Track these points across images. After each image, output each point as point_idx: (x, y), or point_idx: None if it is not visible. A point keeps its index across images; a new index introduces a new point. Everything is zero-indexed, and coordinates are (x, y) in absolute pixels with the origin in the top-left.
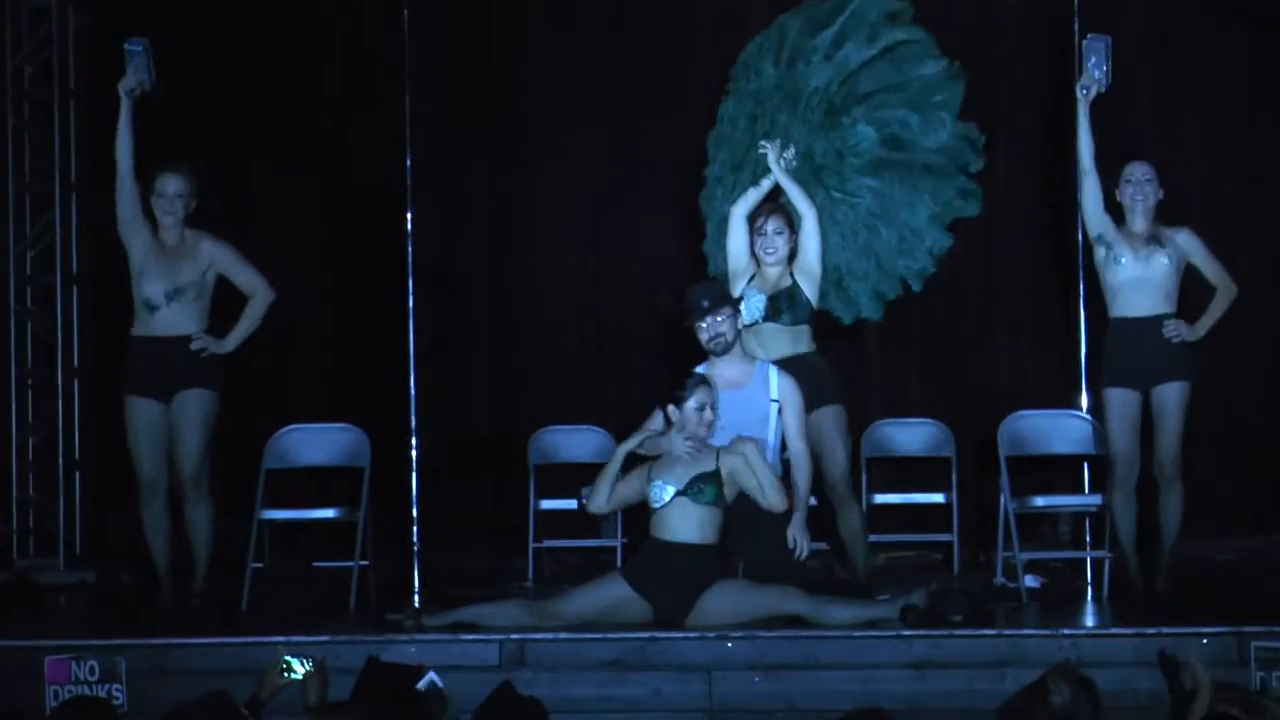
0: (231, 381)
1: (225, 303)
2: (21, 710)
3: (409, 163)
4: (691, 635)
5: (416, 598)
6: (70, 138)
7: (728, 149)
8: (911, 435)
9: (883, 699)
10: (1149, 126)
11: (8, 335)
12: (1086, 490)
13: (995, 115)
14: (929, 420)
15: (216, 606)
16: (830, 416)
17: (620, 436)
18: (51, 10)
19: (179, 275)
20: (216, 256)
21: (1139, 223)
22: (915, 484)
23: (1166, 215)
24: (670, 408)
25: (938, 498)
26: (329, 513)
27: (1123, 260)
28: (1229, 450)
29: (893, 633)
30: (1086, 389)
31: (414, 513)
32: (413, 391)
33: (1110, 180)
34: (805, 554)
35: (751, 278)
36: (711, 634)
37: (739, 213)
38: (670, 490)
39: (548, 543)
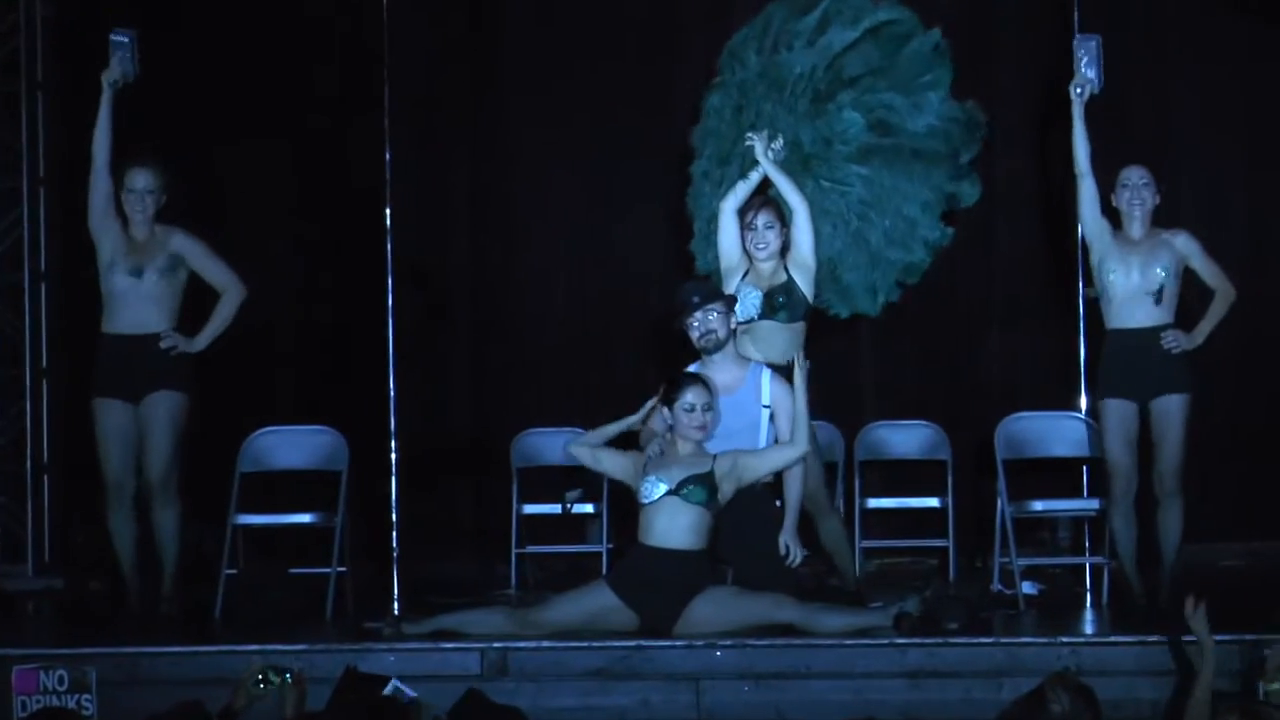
0: (205, 382)
1: (196, 303)
2: None
3: (388, 159)
4: (679, 644)
5: (396, 605)
6: (38, 131)
7: (714, 143)
8: (906, 437)
9: (876, 709)
10: (1147, 126)
11: None
12: (1085, 494)
13: (991, 108)
14: (924, 422)
15: (189, 614)
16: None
17: None
18: (18, 0)
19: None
20: (187, 251)
21: (1135, 228)
22: (910, 488)
23: (1165, 217)
24: (664, 410)
25: (933, 502)
26: (305, 517)
27: (1114, 277)
28: (1233, 453)
29: (886, 641)
30: (1086, 390)
31: (393, 517)
32: (392, 392)
33: (1106, 185)
34: (798, 560)
35: (745, 274)
36: (700, 642)
37: (728, 208)
38: (662, 488)
39: (531, 548)
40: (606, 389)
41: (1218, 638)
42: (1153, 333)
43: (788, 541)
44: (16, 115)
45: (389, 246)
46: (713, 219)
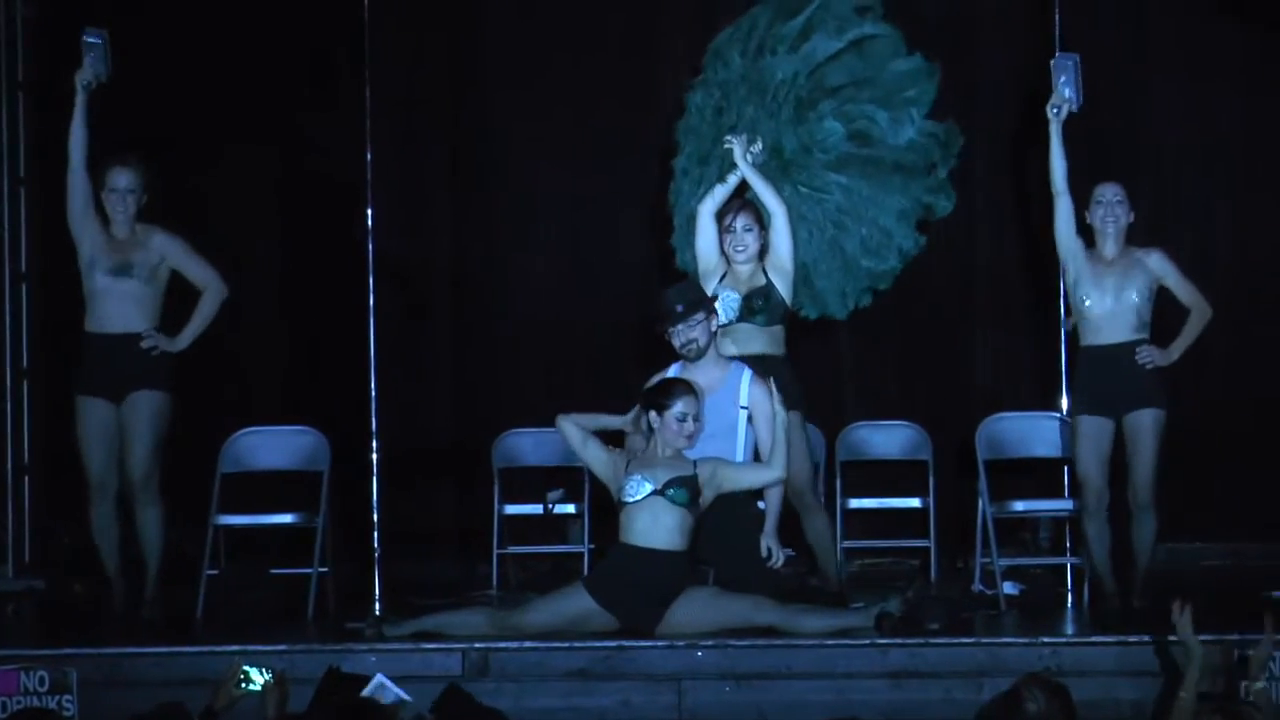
0: (186, 382)
1: (177, 303)
2: None
3: (369, 158)
4: (661, 644)
5: (377, 606)
6: (19, 132)
7: (695, 140)
8: (887, 438)
9: (858, 709)
10: (1127, 136)
11: None
12: (1066, 494)
13: (972, 114)
14: (905, 423)
15: (170, 615)
16: (793, 422)
17: None
18: None
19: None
20: (168, 250)
21: (1109, 246)
22: (891, 488)
23: (1147, 228)
24: (651, 414)
25: (914, 502)
26: (286, 518)
27: (1088, 302)
28: (1216, 455)
29: (868, 641)
30: (1066, 390)
31: (374, 518)
32: (373, 393)
33: (1080, 201)
34: (780, 562)
35: (722, 277)
36: (681, 643)
37: (706, 210)
38: (647, 487)
39: (513, 549)
40: (588, 389)
41: (1200, 637)
42: (1127, 348)
43: (769, 543)
44: None
45: (370, 246)
46: (692, 217)
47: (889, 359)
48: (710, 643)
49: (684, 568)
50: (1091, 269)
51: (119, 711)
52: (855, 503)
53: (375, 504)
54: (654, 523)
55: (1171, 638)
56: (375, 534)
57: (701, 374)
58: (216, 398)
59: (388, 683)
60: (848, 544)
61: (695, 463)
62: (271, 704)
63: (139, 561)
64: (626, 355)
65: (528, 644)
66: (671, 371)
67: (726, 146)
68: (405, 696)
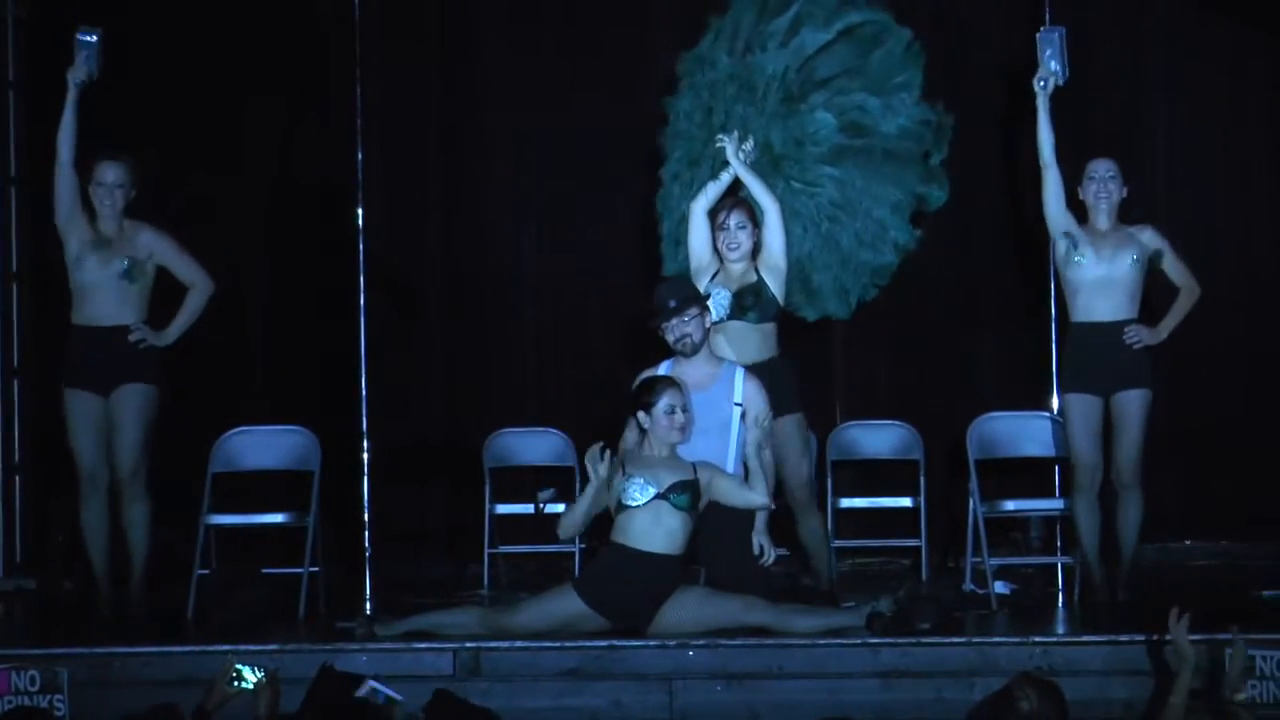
0: (176, 382)
1: (165, 299)
2: None
3: (359, 158)
4: (652, 644)
5: (368, 605)
6: (9, 130)
7: (684, 145)
8: (878, 437)
9: (849, 709)
10: (1120, 119)
11: None
12: (1057, 493)
13: (962, 107)
14: (896, 422)
15: (161, 615)
16: (792, 424)
17: (577, 438)
18: None
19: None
20: (155, 247)
21: (1102, 221)
22: (882, 488)
23: (1134, 212)
24: (640, 414)
25: (905, 502)
26: (277, 518)
27: (1084, 260)
28: (1203, 455)
29: (859, 641)
30: (1058, 390)
31: (365, 517)
32: (364, 392)
33: (1073, 177)
34: (772, 559)
35: (714, 275)
36: (672, 643)
37: (699, 208)
38: (651, 490)
39: (503, 548)
40: (579, 389)
41: (1191, 637)
42: (1116, 327)
43: (761, 541)
44: None
45: (361, 247)
46: (682, 221)
47: (880, 359)
48: (701, 642)
49: (676, 572)
50: (1086, 235)
51: (111, 711)
52: (846, 502)
53: (366, 504)
54: (655, 526)
55: (1166, 637)
56: (366, 534)
57: (694, 370)
58: (207, 398)
59: (379, 685)
60: (839, 543)
61: (694, 466)
62: (263, 703)
63: (126, 561)
64: (617, 356)
65: (519, 644)
66: (663, 369)
67: (718, 145)
68: (397, 697)
